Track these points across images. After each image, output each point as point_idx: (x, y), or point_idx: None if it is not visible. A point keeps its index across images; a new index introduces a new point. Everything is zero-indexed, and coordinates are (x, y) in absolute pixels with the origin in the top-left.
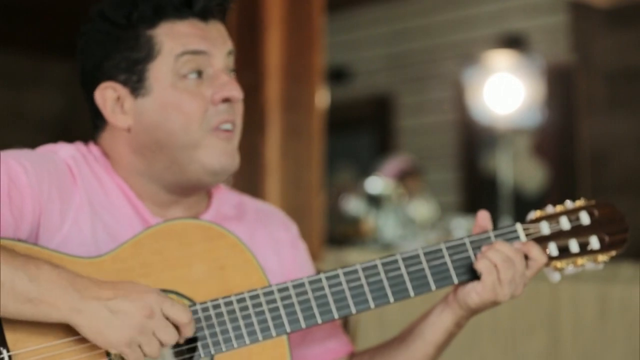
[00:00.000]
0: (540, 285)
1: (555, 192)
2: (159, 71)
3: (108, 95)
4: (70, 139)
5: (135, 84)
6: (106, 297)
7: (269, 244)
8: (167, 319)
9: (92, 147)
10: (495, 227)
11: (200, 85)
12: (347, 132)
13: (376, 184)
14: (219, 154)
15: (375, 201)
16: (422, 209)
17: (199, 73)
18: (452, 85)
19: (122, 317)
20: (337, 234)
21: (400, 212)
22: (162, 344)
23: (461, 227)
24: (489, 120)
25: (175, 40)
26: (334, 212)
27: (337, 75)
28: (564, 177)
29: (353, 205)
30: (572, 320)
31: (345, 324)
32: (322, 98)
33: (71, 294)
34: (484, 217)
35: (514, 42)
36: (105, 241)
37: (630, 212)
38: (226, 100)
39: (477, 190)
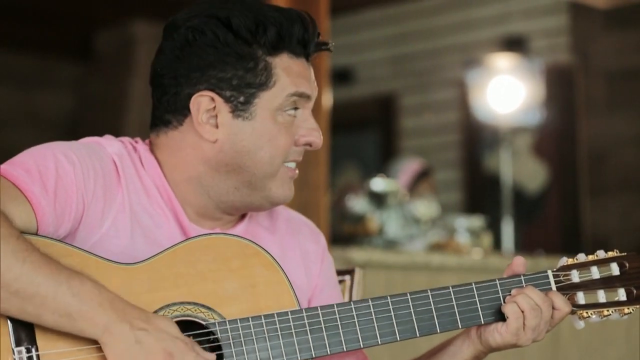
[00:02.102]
0: None
1: (555, 190)
2: (268, 102)
3: (204, 104)
4: (79, 138)
5: (241, 105)
6: (138, 327)
7: (298, 257)
8: None
9: (139, 143)
10: (497, 228)
11: (292, 122)
12: (351, 132)
13: (380, 183)
14: (286, 188)
15: (379, 200)
16: (424, 208)
17: (295, 108)
18: (455, 86)
19: (143, 350)
20: (342, 232)
21: (404, 211)
22: None
23: (463, 226)
24: (491, 121)
25: (290, 78)
26: (338, 211)
27: (341, 77)
28: (564, 176)
29: (357, 204)
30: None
31: None
32: (327, 99)
33: (109, 313)
34: (519, 263)
35: (514, 43)
36: (142, 243)
37: (629, 210)
38: (308, 145)
39: (480, 189)
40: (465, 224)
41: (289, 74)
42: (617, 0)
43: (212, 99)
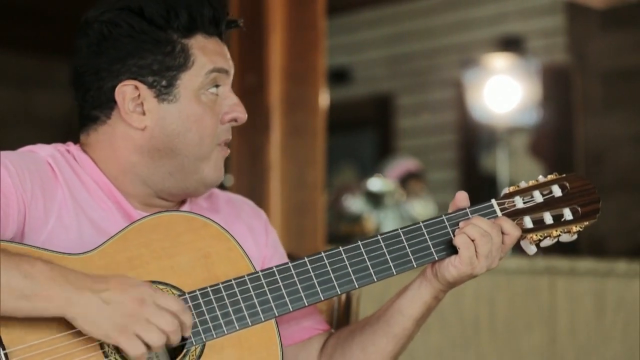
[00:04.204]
0: (538, 282)
1: None
2: (189, 82)
3: (128, 93)
4: (76, 138)
5: (164, 88)
6: (99, 289)
7: (244, 230)
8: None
9: (71, 146)
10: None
11: (215, 101)
12: (349, 132)
13: (377, 183)
14: (218, 169)
15: (376, 200)
16: (421, 207)
17: (217, 85)
18: (452, 86)
19: (115, 307)
20: (339, 232)
21: (400, 211)
22: (162, 332)
23: None
24: (487, 121)
25: (207, 56)
26: (336, 211)
27: (338, 76)
28: None
29: (354, 203)
30: (569, 316)
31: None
32: (324, 99)
33: (65, 287)
34: (462, 198)
35: (511, 43)
36: (91, 235)
37: (626, 210)
38: (233, 120)
39: (476, 189)
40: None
41: (205, 52)
42: (614, 1)
43: (136, 87)
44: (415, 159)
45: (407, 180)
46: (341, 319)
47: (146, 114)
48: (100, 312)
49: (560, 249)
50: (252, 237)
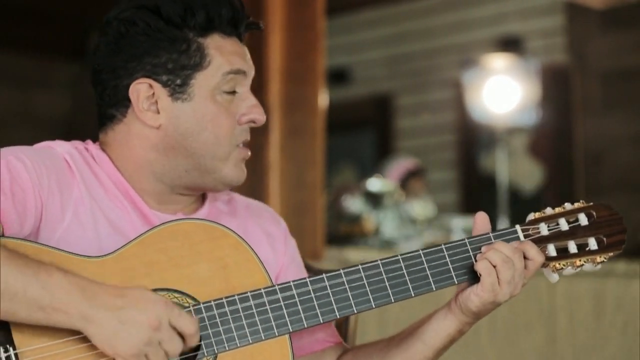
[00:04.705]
0: (537, 283)
1: (551, 190)
2: (205, 82)
3: (142, 91)
4: (76, 138)
5: (178, 87)
6: (116, 307)
7: (262, 237)
8: (174, 328)
9: (90, 144)
10: (494, 228)
11: (231, 102)
12: (348, 132)
13: (376, 183)
14: (239, 169)
15: (375, 200)
16: (421, 208)
17: (234, 91)
18: (451, 86)
19: (130, 328)
20: (338, 232)
21: (400, 211)
22: (167, 355)
23: (459, 226)
24: (487, 121)
25: (224, 57)
26: (335, 211)
27: (337, 77)
28: (560, 176)
29: (354, 204)
30: (569, 316)
31: (345, 322)
32: (324, 99)
33: (81, 301)
34: (482, 219)
35: (510, 44)
36: (108, 233)
37: (625, 211)
38: (252, 122)
39: (476, 190)
40: (461, 224)
41: (222, 53)
42: (613, 1)
43: (150, 86)
44: (416, 159)
45: (407, 180)
46: (340, 325)
47: (160, 113)
48: (116, 333)
49: None
50: (269, 243)
